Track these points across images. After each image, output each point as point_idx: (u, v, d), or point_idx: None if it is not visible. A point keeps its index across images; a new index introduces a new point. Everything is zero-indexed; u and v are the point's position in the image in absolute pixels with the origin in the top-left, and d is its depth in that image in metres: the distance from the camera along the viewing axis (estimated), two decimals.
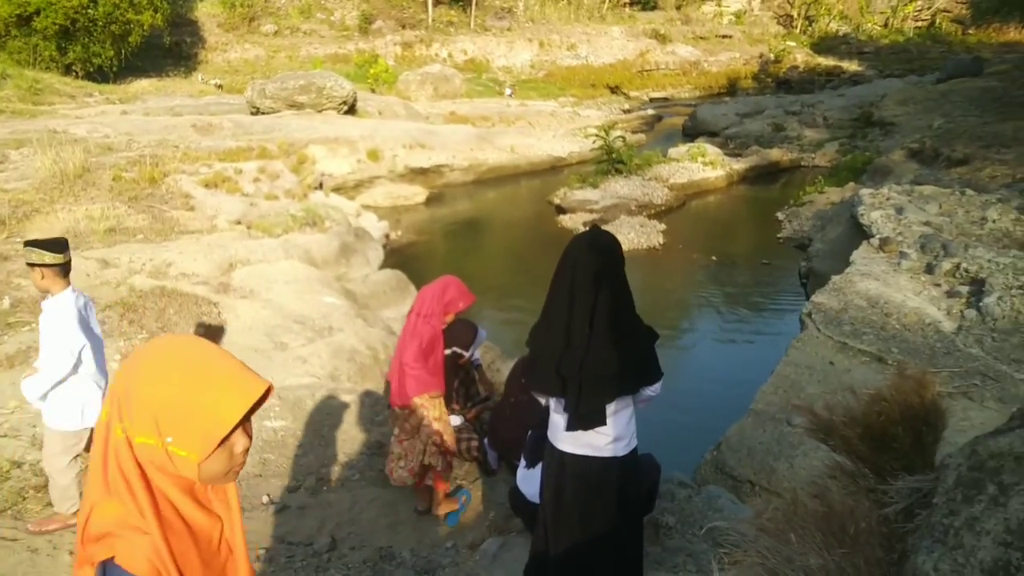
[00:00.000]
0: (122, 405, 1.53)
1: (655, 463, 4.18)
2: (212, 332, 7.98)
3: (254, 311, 8.56)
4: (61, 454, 4.63)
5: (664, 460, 4.33)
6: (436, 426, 4.79)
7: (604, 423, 3.24)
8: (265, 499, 5.00)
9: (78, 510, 4.53)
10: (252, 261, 10.40)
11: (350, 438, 5.72)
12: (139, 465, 1.53)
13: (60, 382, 4.49)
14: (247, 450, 1.63)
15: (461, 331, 5.56)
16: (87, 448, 4.68)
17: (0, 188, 12.18)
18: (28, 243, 4.40)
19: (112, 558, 1.49)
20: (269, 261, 10.46)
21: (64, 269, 4.44)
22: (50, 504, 4.81)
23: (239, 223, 12.65)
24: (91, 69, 28.27)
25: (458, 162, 20.22)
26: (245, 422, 1.58)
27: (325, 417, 5.91)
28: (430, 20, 41.93)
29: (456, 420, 5.45)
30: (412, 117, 24.24)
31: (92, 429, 4.61)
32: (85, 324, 4.58)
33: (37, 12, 26.30)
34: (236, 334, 8.08)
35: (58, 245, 4.42)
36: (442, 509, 4.98)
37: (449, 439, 4.85)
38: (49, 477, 4.71)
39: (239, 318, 8.39)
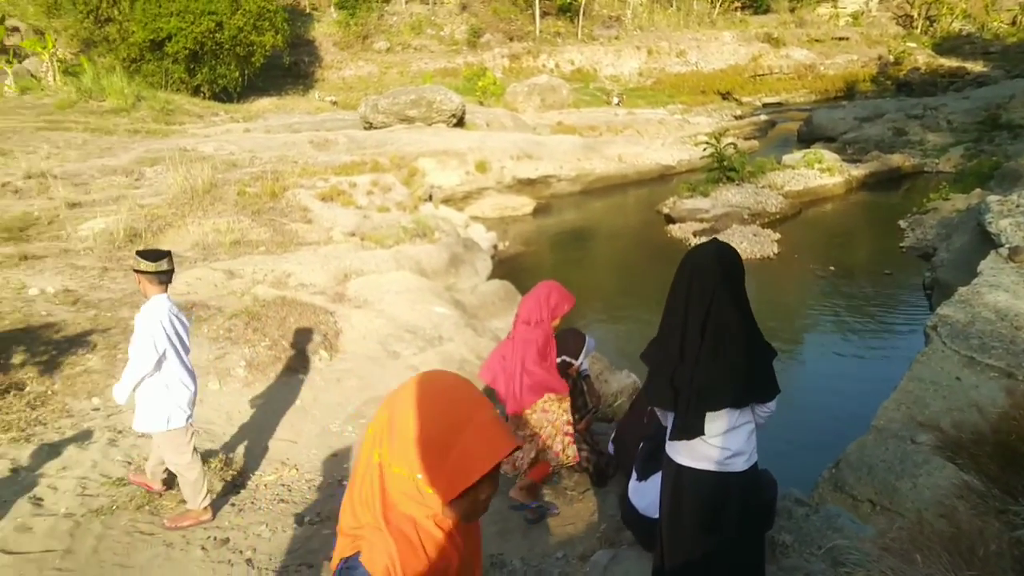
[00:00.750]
0: (383, 432, 1.62)
1: (772, 479, 4.07)
2: (329, 341, 8.24)
3: (368, 320, 8.80)
4: (181, 452, 4.88)
5: (780, 476, 4.20)
6: (559, 424, 4.86)
7: (702, 432, 3.18)
8: None
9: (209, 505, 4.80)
10: (365, 272, 10.69)
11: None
12: (385, 490, 1.63)
13: (143, 380, 4.79)
14: (491, 496, 1.69)
15: (571, 340, 5.56)
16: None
17: (137, 203, 12.94)
18: (137, 252, 4.85)
19: (356, 555, 1.64)
20: (381, 272, 10.73)
21: (159, 277, 4.79)
22: (183, 501, 5.07)
23: (353, 235, 13.03)
24: (217, 89, 29.77)
25: (565, 172, 20.26)
26: (493, 471, 1.63)
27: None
28: (537, 31, 42.25)
29: None
30: (519, 128, 24.45)
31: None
32: (173, 329, 4.83)
33: (169, 37, 27.91)
34: (351, 343, 8.31)
35: (156, 255, 4.82)
36: (521, 495, 5.01)
37: (570, 437, 4.90)
38: (179, 476, 4.98)
39: (354, 327, 8.63)
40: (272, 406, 6.96)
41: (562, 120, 27.26)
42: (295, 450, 6.13)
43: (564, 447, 4.90)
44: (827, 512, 4.64)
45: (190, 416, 4.96)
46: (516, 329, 4.97)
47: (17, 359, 7.27)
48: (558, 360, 5.37)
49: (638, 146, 23.51)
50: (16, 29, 32.48)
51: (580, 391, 5.76)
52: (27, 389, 6.80)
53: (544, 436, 4.85)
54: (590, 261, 15.53)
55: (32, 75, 27.21)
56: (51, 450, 5.86)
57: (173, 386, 4.86)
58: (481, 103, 29.02)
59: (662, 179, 21.76)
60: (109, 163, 16.26)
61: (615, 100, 35.01)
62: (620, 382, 8.36)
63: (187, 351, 5.05)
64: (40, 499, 5.13)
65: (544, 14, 42.81)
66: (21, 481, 5.36)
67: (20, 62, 27.61)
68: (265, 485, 5.54)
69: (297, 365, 7.73)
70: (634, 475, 4.38)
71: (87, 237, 11.40)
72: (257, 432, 6.34)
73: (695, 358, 3.15)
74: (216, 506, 5.15)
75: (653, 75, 41.58)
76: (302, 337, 8.22)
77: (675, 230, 15.95)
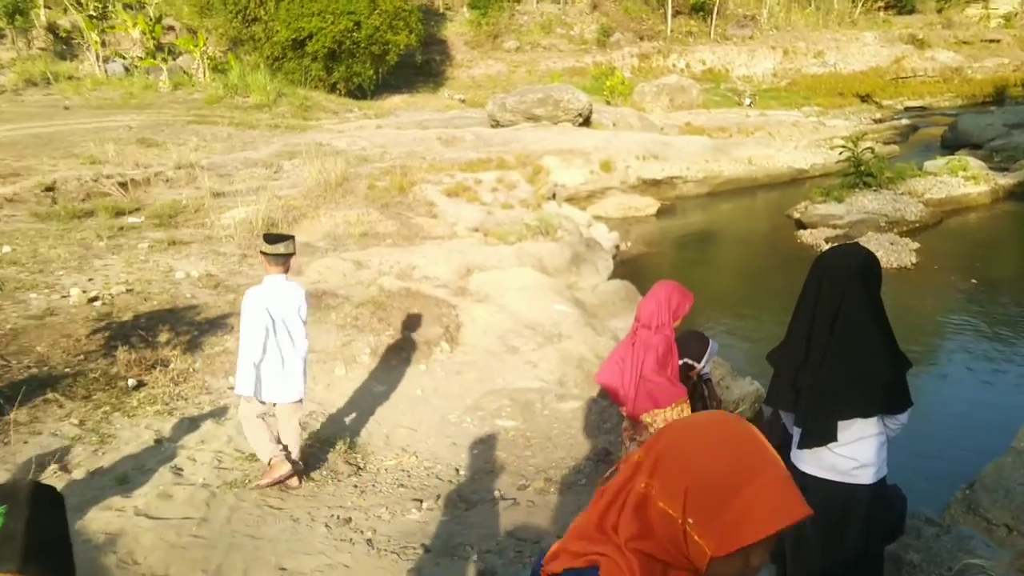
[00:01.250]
0: (659, 460, 1.46)
1: (901, 495, 3.88)
2: (450, 333, 8.40)
3: (488, 315, 8.92)
4: (244, 416, 5.30)
5: (909, 493, 4.01)
6: None
7: (835, 439, 3.06)
8: (496, 494, 5.21)
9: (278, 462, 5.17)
10: (488, 267, 10.84)
11: (577, 443, 5.82)
12: (643, 524, 1.45)
13: (250, 354, 5.12)
14: (761, 565, 1.50)
15: (693, 343, 5.47)
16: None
17: (275, 195, 13.56)
18: (264, 234, 5.41)
19: (593, 568, 1.47)
20: (503, 268, 10.85)
21: (276, 259, 5.24)
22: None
23: (477, 230, 13.24)
24: (352, 87, 30.81)
25: (692, 174, 19.92)
26: (772, 537, 1.43)
27: (553, 421, 6.06)
28: (669, 31, 41.70)
29: None
30: (646, 128, 24.20)
31: (274, 404, 5.36)
32: (278, 308, 5.21)
33: (310, 37, 29.07)
34: (471, 336, 8.46)
35: (275, 238, 5.28)
36: None
37: None
38: (296, 435, 5.42)
39: (475, 321, 8.77)
40: (394, 394, 7.17)
41: (691, 121, 26.81)
42: (415, 437, 6.29)
43: None
44: (959, 533, 4.40)
45: (262, 396, 5.29)
46: (637, 333, 4.85)
47: (163, 337, 7.75)
48: (680, 362, 5.30)
49: (769, 148, 22.86)
50: (171, 28, 34.61)
51: (700, 395, 5.65)
52: (171, 366, 7.25)
53: None
54: (715, 264, 15.23)
55: (184, 71, 28.92)
56: (191, 424, 6.24)
57: (266, 360, 5.21)
58: (608, 102, 28.88)
59: (793, 183, 21.07)
60: (251, 156, 17.10)
61: (747, 101, 34.15)
62: (742, 389, 8.17)
63: (296, 331, 5.36)
64: (180, 469, 5.46)
65: (676, 13, 42.20)
66: (163, 451, 5.72)
67: (174, 59, 29.40)
68: (386, 469, 5.71)
69: (419, 355, 7.92)
70: None
71: (229, 225, 12.02)
72: (379, 418, 6.54)
73: (820, 359, 3.03)
74: (339, 487, 5.35)
75: (788, 76, 40.31)
76: (425, 328, 8.42)
77: (806, 236, 15.42)
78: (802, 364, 3.09)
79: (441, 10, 43.20)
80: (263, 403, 5.31)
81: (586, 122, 22.83)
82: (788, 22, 44.51)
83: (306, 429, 6.22)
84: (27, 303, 8.20)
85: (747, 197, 20.18)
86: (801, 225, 16.14)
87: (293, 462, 5.28)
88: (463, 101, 32.10)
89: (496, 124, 22.72)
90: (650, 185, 19.18)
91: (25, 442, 5.61)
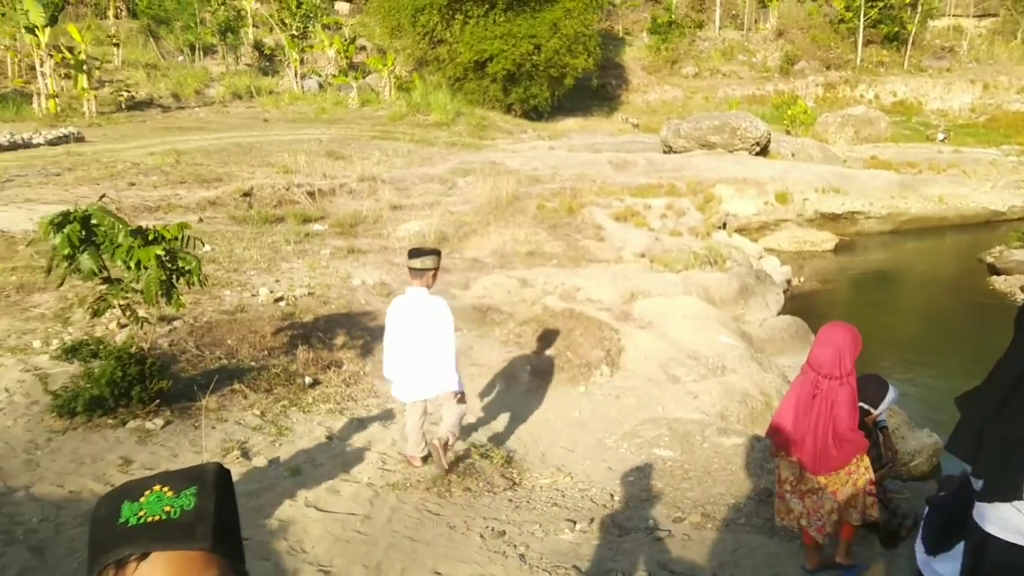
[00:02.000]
0: None
1: None
2: (611, 357, 8.37)
3: (651, 341, 8.83)
4: (409, 414, 5.80)
5: None
6: (862, 484, 4.49)
7: (1020, 498, 2.81)
8: (651, 523, 5.13)
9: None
10: (652, 293, 10.74)
11: (737, 480, 5.64)
12: None
13: (386, 358, 5.79)
14: None
15: (872, 386, 5.18)
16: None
17: (448, 210, 14.04)
18: (409, 249, 5.82)
19: None
20: (668, 295, 10.71)
21: (414, 272, 5.58)
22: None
23: (643, 256, 13.16)
24: (528, 108, 31.45)
25: (875, 210, 18.95)
26: None
27: (713, 455, 5.91)
28: (858, 60, 39.95)
29: None
30: (827, 160, 23.25)
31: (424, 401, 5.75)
32: (418, 319, 5.55)
33: (491, 58, 29.97)
34: (632, 362, 8.39)
35: (415, 253, 5.64)
36: (847, 558, 4.67)
37: (873, 497, 4.55)
38: (458, 417, 5.78)
39: (637, 347, 8.70)
40: (552, 413, 7.22)
41: (877, 154, 25.49)
42: (571, 458, 6.30)
43: (868, 506, 4.53)
44: None
45: (409, 396, 5.75)
46: (818, 384, 4.46)
47: (338, 340, 8.19)
48: None
49: (963, 187, 21.38)
50: (363, 48, 36.64)
51: (875, 442, 5.34)
52: (344, 367, 7.64)
53: (846, 496, 4.50)
54: (895, 307, 14.38)
55: (372, 89, 30.52)
56: (359, 424, 6.54)
57: (401, 365, 5.69)
58: (788, 132, 27.97)
59: (988, 225, 19.61)
60: (428, 171, 17.79)
61: (940, 136, 32.11)
62: (919, 441, 7.67)
63: (436, 334, 5.58)
64: (348, 466, 5.73)
65: (867, 42, 40.36)
66: (333, 448, 6.03)
67: (364, 78, 31.07)
68: (541, 487, 5.76)
69: (579, 377, 7.95)
70: (919, 545, 3.97)
71: (403, 237, 12.56)
72: (536, 436, 6.61)
73: (1017, 410, 2.80)
74: (495, 499, 5.44)
75: (987, 111, 37.57)
76: (586, 350, 8.44)
77: (999, 283, 14.30)
78: (995, 415, 2.86)
79: (621, 35, 43.38)
80: (424, 401, 5.75)
81: (763, 151, 22.21)
82: (990, 55, 41.55)
83: (465, 439, 6.38)
84: (222, 299, 8.87)
85: (935, 237, 18.96)
86: (995, 271, 14.98)
87: (444, 444, 5.67)
88: (636, 126, 32.03)
89: (669, 150, 22.52)
90: (828, 219, 18.40)
91: (213, 427, 6.06)
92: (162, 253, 5.87)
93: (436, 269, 5.64)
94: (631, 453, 6.40)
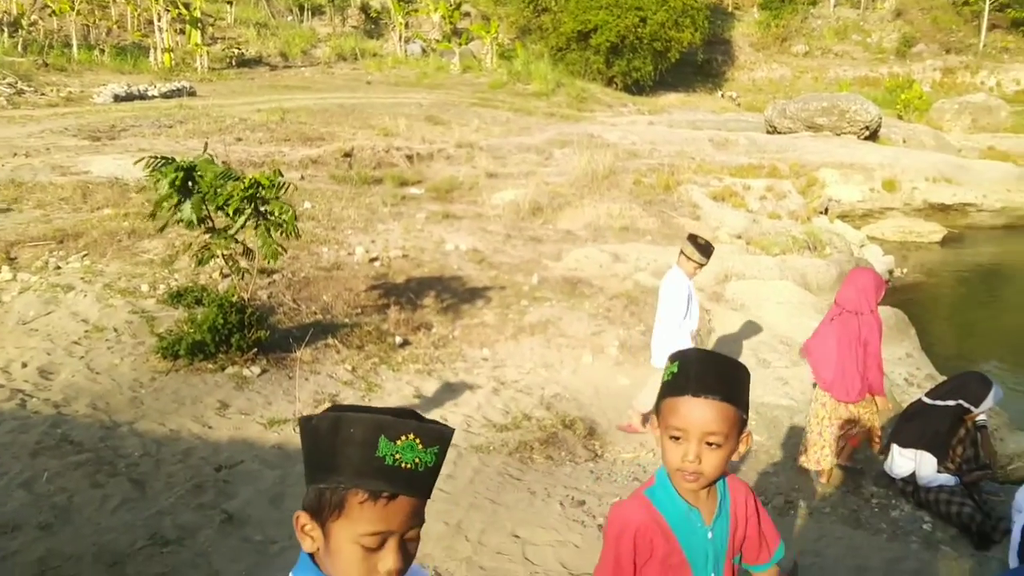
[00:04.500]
0: None
1: None
2: (700, 338, 8.26)
3: (742, 323, 8.66)
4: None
5: None
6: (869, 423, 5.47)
7: None
8: None
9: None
10: (747, 276, 10.52)
11: (823, 470, 5.51)
12: None
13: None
14: None
15: (974, 384, 4.99)
16: None
17: (543, 181, 14.02)
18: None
19: None
20: (763, 279, 10.47)
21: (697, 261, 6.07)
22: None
23: (739, 237, 12.88)
24: (629, 82, 31.03)
25: (989, 202, 18.01)
26: None
27: (800, 442, 5.77)
28: (981, 45, 37.89)
29: (951, 480, 4.91)
30: (941, 148, 22.21)
31: None
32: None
33: (595, 29, 29.65)
34: (722, 344, 8.26)
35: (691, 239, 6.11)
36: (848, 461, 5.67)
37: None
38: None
39: (727, 328, 8.57)
40: (637, 389, 7.17)
41: (995, 144, 24.22)
42: (653, 435, 6.26)
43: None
44: None
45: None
46: (846, 319, 5.25)
47: (428, 302, 8.32)
48: (954, 403, 4.89)
49: None
50: (467, 14, 36.72)
51: (973, 441, 5.15)
52: (433, 330, 7.76)
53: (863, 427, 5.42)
54: (1004, 305, 13.69)
55: (474, 56, 30.62)
56: (446, 387, 6.65)
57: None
58: (900, 117, 26.82)
59: None
60: (525, 141, 17.78)
61: None
62: (1020, 444, 7.32)
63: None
64: None
65: (992, 27, 38.21)
66: (420, 407, 6.15)
67: (466, 44, 31.19)
68: (623, 461, 5.75)
69: None
70: (1013, 555, 3.76)
71: (498, 205, 12.62)
72: (620, 410, 6.59)
73: None
74: (576, 469, 5.47)
75: None
76: None
77: None
78: None
79: (730, 9, 42.22)
80: None
81: (872, 136, 21.36)
82: None
83: (550, 409, 6.41)
84: (319, 256, 9.12)
85: None
86: None
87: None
88: (738, 103, 31.25)
89: (773, 130, 21.90)
90: (937, 210, 17.60)
91: (306, 379, 6.26)
92: (255, 198, 6.02)
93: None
94: None
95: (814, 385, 5.48)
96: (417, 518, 1.34)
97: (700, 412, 1.84)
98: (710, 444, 1.85)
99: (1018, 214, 18.18)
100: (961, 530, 4.81)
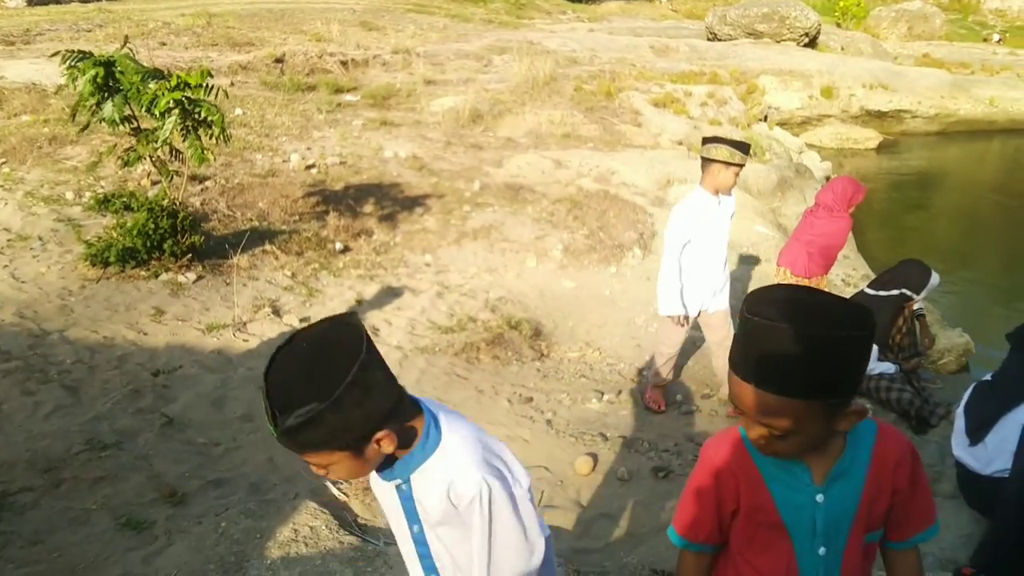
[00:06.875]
0: None
1: None
2: (644, 240, 8.26)
3: None
4: (664, 341, 4.93)
5: None
6: None
7: None
8: (679, 398, 5.14)
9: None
10: (689, 180, 10.49)
11: None
12: None
13: (668, 271, 4.71)
14: None
15: (915, 272, 5.10)
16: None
17: (483, 88, 13.69)
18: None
19: None
20: None
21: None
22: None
23: (681, 143, 12.83)
24: None
25: (923, 109, 18.27)
26: None
27: None
28: None
29: (891, 368, 5.03)
30: (878, 56, 22.36)
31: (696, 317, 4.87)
32: (702, 222, 4.76)
33: None
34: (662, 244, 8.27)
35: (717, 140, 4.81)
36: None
37: None
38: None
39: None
40: (582, 291, 7.16)
41: (929, 52, 24.49)
42: (599, 334, 6.28)
43: None
44: None
45: (685, 310, 4.75)
46: (815, 213, 5.90)
47: (368, 209, 8.11)
48: (897, 292, 4.98)
49: (1016, 91, 20.48)
50: None
51: (911, 330, 5.28)
52: (374, 236, 7.59)
53: None
54: (936, 210, 14.02)
55: None
56: (389, 291, 6.53)
57: (686, 276, 4.74)
58: (839, 25, 26.84)
59: None
60: (463, 48, 17.30)
61: (995, 37, 30.71)
62: (950, 340, 7.56)
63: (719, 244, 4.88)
64: (377, 329, 5.75)
65: None
66: (362, 312, 6.04)
67: None
68: (569, 360, 5.76)
69: (610, 257, 7.84)
70: (965, 440, 3.83)
71: (436, 112, 12.30)
72: (565, 312, 6.58)
73: None
74: (523, 368, 5.45)
75: None
76: (618, 232, 8.31)
77: None
78: None
79: None
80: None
81: (812, 43, 21.36)
82: None
83: (495, 312, 6.36)
84: (253, 163, 8.79)
85: (982, 141, 18.32)
86: None
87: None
88: (675, 10, 30.87)
89: (713, 37, 21.72)
90: (873, 117, 17.80)
91: (244, 285, 6.08)
92: (182, 99, 5.68)
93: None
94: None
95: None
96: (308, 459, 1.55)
97: (751, 400, 1.43)
98: (772, 432, 1.46)
99: (950, 121, 18.51)
100: (900, 415, 4.95)
